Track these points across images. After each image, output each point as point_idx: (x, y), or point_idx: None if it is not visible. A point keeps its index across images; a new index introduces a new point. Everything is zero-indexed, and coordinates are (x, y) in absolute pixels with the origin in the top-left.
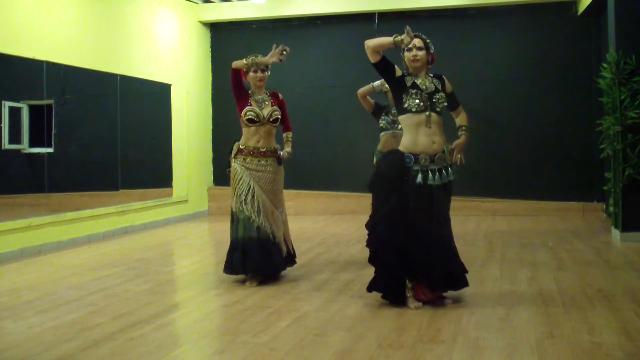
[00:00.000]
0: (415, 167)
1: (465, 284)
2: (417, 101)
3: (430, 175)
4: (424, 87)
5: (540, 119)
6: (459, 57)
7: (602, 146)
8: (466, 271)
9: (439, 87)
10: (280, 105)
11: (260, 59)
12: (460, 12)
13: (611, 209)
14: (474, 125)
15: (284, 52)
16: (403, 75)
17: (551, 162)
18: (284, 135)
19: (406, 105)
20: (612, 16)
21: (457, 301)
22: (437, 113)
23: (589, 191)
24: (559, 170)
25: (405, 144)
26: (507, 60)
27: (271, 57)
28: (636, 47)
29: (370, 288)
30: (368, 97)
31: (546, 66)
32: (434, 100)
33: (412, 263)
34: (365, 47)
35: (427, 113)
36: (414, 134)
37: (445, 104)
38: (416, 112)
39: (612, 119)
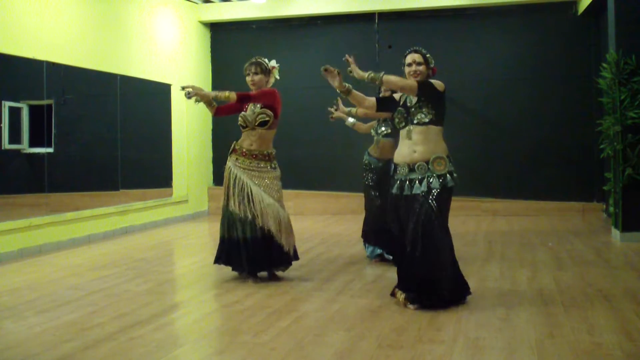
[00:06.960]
0: (396, 178)
1: (455, 296)
2: (396, 120)
3: (407, 184)
4: (409, 102)
5: (540, 119)
6: (459, 57)
7: (602, 146)
8: (456, 287)
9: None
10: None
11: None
12: (460, 12)
13: (611, 209)
14: (474, 125)
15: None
16: (400, 96)
17: (551, 162)
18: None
19: (395, 123)
20: (612, 16)
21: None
22: (416, 124)
23: (589, 191)
24: (559, 170)
25: (394, 154)
26: (507, 60)
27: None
28: (636, 47)
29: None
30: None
31: (546, 66)
32: (411, 112)
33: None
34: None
35: (407, 127)
36: (399, 145)
37: (423, 110)
38: (401, 128)
39: (612, 119)
